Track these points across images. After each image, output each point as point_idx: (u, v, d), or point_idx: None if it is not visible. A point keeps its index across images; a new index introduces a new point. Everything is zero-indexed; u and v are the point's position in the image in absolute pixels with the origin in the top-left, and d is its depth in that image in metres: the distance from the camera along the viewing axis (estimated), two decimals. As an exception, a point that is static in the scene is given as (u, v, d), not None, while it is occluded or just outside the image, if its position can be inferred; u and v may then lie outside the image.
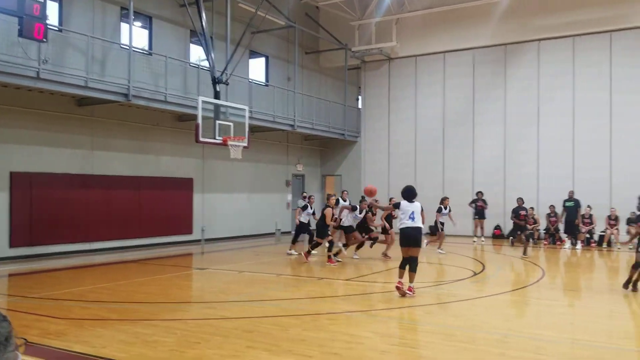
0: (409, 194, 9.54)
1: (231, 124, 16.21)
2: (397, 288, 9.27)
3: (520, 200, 16.04)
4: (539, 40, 21.39)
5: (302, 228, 15.93)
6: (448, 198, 17.27)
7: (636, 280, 9.97)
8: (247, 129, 16.59)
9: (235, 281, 11.65)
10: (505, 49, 22.15)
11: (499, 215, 21.47)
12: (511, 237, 19.10)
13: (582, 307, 9.61)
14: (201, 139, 15.21)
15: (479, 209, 20.21)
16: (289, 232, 22.76)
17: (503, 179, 21.91)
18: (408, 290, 9.20)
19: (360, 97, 26.35)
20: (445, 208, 16.63)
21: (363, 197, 15.40)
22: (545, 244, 19.07)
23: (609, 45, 20.26)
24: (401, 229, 9.43)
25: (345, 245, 14.75)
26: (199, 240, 17.47)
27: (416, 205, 9.40)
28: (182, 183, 18.66)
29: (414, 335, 7.31)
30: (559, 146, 20.91)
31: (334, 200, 14.83)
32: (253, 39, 19.67)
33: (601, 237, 18.83)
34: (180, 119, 18.08)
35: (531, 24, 21.29)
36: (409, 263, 9.33)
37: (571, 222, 18.72)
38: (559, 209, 19.35)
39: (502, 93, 22.19)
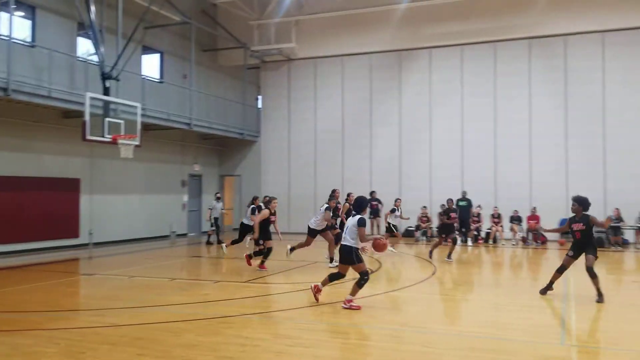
0: (354, 206, 8.82)
1: (122, 121, 15.47)
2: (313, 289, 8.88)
3: (450, 202, 15.82)
4: (431, 47, 22.35)
5: (246, 229, 14.89)
6: (400, 199, 17.61)
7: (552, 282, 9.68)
8: (139, 127, 15.91)
9: (125, 287, 11.10)
10: (399, 55, 22.93)
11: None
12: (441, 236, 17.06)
13: (470, 301, 10.07)
14: (88, 137, 14.38)
15: (374, 208, 20.74)
16: (184, 235, 22.17)
17: (399, 179, 22.64)
18: (345, 302, 8.55)
19: (259, 97, 26.18)
20: (397, 209, 16.91)
21: (333, 191, 14.20)
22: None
23: (493, 54, 21.57)
24: None
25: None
26: (86, 244, 16.51)
27: (351, 220, 8.62)
28: (67, 183, 17.53)
29: (310, 335, 7.29)
30: (449, 148, 21.98)
31: (275, 204, 13.01)
32: (146, 34, 18.93)
33: (487, 235, 20.01)
34: (66, 115, 16.96)
35: (423, 32, 22.19)
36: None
37: (464, 221, 19.68)
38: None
39: (397, 96, 22.95)
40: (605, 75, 20.21)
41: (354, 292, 8.59)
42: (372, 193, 21.10)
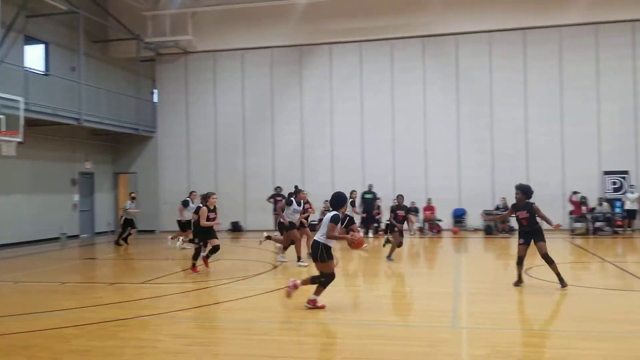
0: (331, 202, 8.26)
1: (2, 117, 14.34)
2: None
3: (400, 198, 15.11)
4: (331, 43, 22.61)
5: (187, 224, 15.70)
6: (355, 191, 17.19)
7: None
8: (22, 123, 14.82)
9: (10, 293, 10.29)
10: (300, 50, 22.99)
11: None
12: (387, 237, 15.74)
13: (371, 290, 10.31)
14: (-36, 133, 13.20)
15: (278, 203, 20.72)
16: (76, 236, 20.98)
17: (301, 174, 22.69)
18: (307, 302, 8.13)
19: (155, 91, 25.24)
20: (354, 202, 16.67)
21: (296, 187, 13.99)
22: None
23: (390, 52, 22.18)
24: None
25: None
26: (-36, 250, 15.18)
27: (326, 216, 8.10)
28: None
29: (211, 333, 7.12)
30: (350, 143, 22.35)
31: (214, 200, 12.30)
32: (29, 23, 17.67)
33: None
34: (-63, 110, 15.47)
35: (324, 28, 22.36)
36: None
37: (369, 213, 20.14)
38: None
39: (298, 92, 23.00)
40: (492, 74, 21.40)
41: (316, 291, 8.14)
42: (276, 188, 21.08)
